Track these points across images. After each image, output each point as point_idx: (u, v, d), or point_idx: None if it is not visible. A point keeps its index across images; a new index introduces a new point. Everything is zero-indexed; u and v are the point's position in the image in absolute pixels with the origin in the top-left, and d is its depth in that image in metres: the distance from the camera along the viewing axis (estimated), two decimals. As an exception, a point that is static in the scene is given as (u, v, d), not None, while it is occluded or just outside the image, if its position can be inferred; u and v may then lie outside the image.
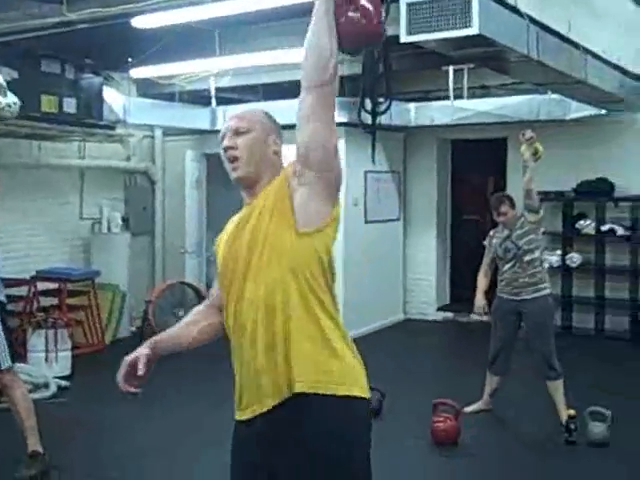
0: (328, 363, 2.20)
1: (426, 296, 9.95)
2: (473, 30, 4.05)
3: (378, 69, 3.98)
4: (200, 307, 2.54)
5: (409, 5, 4.15)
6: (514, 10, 4.63)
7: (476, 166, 10.40)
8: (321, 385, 2.17)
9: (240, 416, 2.31)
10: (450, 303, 10.12)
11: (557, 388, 5.48)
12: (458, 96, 8.57)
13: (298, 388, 2.15)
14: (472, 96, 8.64)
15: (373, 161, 3.89)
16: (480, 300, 5.91)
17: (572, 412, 5.17)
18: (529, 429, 5.58)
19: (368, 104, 3.89)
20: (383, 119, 8.40)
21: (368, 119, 4.86)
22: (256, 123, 2.33)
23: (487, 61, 5.27)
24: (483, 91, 8.80)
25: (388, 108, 3.84)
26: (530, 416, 5.81)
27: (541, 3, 5.02)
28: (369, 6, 2.19)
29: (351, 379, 2.23)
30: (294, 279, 2.18)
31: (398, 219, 9.74)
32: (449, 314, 9.84)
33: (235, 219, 2.39)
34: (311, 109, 2.16)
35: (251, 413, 2.26)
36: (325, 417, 2.19)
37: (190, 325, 2.46)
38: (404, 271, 9.96)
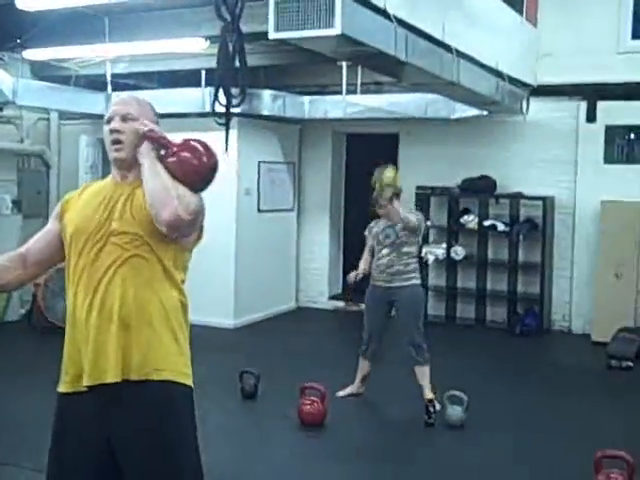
0: (178, 354, 2.42)
1: (318, 285, 10.16)
2: (335, 31, 4.22)
3: (233, 63, 4.14)
4: (15, 254, 2.55)
5: (277, 3, 4.31)
6: (383, 13, 4.84)
7: (373, 160, 10.59)
8: (169, 374, 2.37)
9: (66, 388, 2.43)
10: (342, 292, 10.34)
11: (424, 373, 5.73)
12: (352, 91, 8.81)
13: (156, 376, 2.34)
14: (366, 92, 8.89)
15: (226, 150, 4.03)
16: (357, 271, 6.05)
17: (431, 396, 5.46)
18: (394, 413, 5.86)
19: (222, 97, 4.06)
20: (276, 111, 8.69)
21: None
22: (143, 113, 2.50)
23: (359, 60, 5.47)
24: (376, 87, 9.07)
25: (242, 101, 4.01)
26: (398, 401, 6.07)
27: (412, 7, 5.24)
28: (198, 146, 2.46)
29: (188, 369, 2.46)
30: (165, 273, 2.40)
31: (292, 209, 9.91)
32: (340, 303, 10.07)
33: (98, 190, 2.52)
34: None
35: (74, 385, 2.39)
36: (171, 402, 2.39)
37: (10, 269, 2.51)
38: (297, 260, 10.14)
